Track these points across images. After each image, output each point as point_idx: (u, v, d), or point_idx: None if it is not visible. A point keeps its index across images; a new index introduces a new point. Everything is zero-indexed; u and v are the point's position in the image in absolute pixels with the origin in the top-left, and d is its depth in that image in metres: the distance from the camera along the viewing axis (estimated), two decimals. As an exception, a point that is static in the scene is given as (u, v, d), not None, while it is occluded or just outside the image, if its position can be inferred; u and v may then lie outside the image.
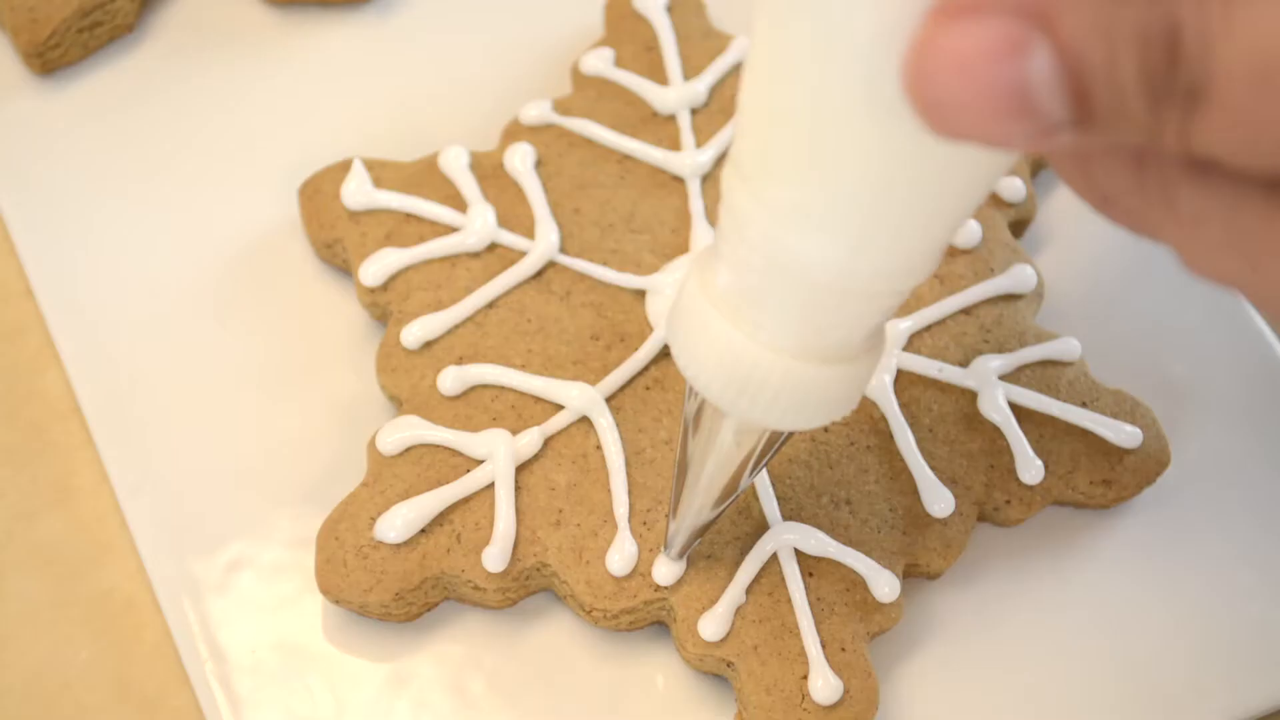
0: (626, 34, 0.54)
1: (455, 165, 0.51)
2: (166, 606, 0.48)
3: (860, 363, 0.39)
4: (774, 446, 0.43)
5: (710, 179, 0.52)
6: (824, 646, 0.46)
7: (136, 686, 0.48)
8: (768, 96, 0.35)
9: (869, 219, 0.35)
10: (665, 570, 0.46)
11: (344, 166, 0.51)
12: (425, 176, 0.51)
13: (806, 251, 0.36)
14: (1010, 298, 0.50)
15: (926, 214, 0.35)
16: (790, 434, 0.42)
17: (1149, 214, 0.34)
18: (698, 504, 0.44)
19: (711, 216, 0.51)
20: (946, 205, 0.35)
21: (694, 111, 0.52)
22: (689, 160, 0.51)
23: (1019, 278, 0.50)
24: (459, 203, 0.51)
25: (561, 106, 0.52)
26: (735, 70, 0.53)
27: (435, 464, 0.47)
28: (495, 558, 0.46)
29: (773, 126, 0.35)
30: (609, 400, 0.48)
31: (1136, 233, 0.35)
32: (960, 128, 0.31)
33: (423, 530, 0.47)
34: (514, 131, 0.52)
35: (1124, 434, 0.49)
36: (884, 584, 0.46)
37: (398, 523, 0.46)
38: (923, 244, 0.36)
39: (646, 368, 0.49)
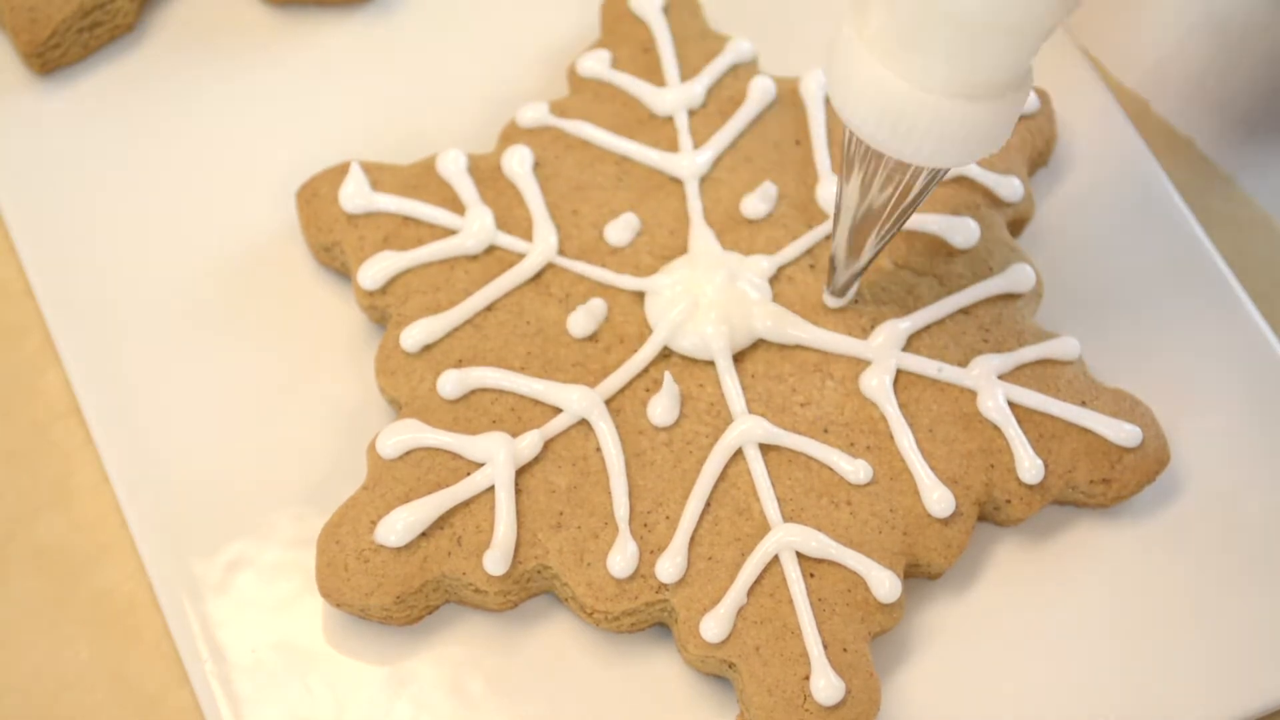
0: (623, 35, 0.54)
1: (453, 168, 0.51)
2: (166, 606, 0.48)
3: (1007, 99, 0.42)
4: (927, 186, 0.44)
5: (708, 180, 0.51)
6: (826, 647, 0.46)
7: (136, 686, 0.48)
8: None
9: None
10: (668, 566, 0.46)
11: (341, 169, 0.51)
12: (423, 179, 0.51)
13: None
14: (1009, 297, 0.50)
15: None
16: (941, 174, 0.44)
17: None
18: (854, 243, 0.46)
19: (710, 218, 0.51)
20: None
21: (691, 113, 0.52)
22: (687, 162, 0.51)
23: (1017, 277, 0.50)
24: (457, 205, 0.51)
25: (558, 108, 0.52)
26: (732, 71, 0.53)
27: (435, 467, 0.47)
28: (496, 560, 0.46)
29: None
30: (609, 402, 0.48)
31: None
32: None
33: (423, 534, 0.47)
34: (511, 134, 0.52)
35: (1123, 432, 0.49)
36: (885, 584, 0.46)
37: (398, 526, 0.46)
38: None
39: (646, 369, 0.49)
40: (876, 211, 0.46)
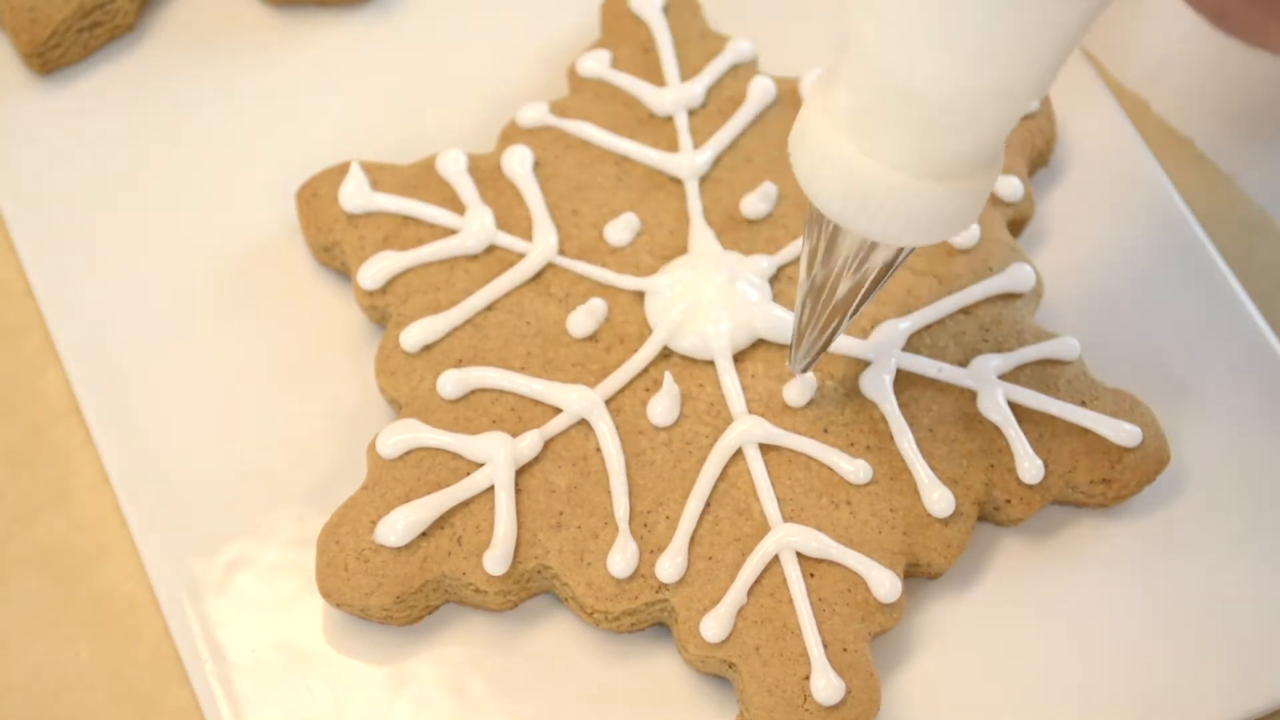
0: (623, 35, 0.54)
1: (453, 168, 0.51)
2: (166, 606, 0.48)
3: (977, 179, 0.41)
4: (892, 265, 0.43)
5: (708, 180, 0.51)
6: (826, 647, 0.46)
7: (136, 686, 0.48)
8: None
9: (984, 36, 0.37)
10: (668, 566, 0.46)
11: (341, 169, 0.51)
12: (423, 179, 0.51)
13: (923, 69, 0.38)
14: (1009, 297, 0.50)
15: (1039, 33, 0.37)
16: (907, 253, 0.43)
17: (1262, 24, 0.35)
18: (820, 321, 0.45)
19: (710, 217, 0.51)
20: (1059, 23, 0.37)
21: (691, 113, 0.52)
22: (686, 161, 0.51)
23: (1017, 277, 0.50)
24: (457, 205, 0.51)
25: (558, 108, 0.52)
26: (732, 71, 0.53)
27: (435, 467, 0.47)
28: (496, 560, 0.46)
29: None
30: (609, 402, 0.48)
31: (1249, 43, 0.36)
32: None
33: (423, 533, 0.47)
34: (511, 134, 0.52)
35: (1123, 432, 0.48)
36: (885, 584, 0.46)
37: (398, 526, 0.46)
38: (1035, 62, 0.38)
39: (646, 369, 0.49)
40: (843, 286, 0.45)
